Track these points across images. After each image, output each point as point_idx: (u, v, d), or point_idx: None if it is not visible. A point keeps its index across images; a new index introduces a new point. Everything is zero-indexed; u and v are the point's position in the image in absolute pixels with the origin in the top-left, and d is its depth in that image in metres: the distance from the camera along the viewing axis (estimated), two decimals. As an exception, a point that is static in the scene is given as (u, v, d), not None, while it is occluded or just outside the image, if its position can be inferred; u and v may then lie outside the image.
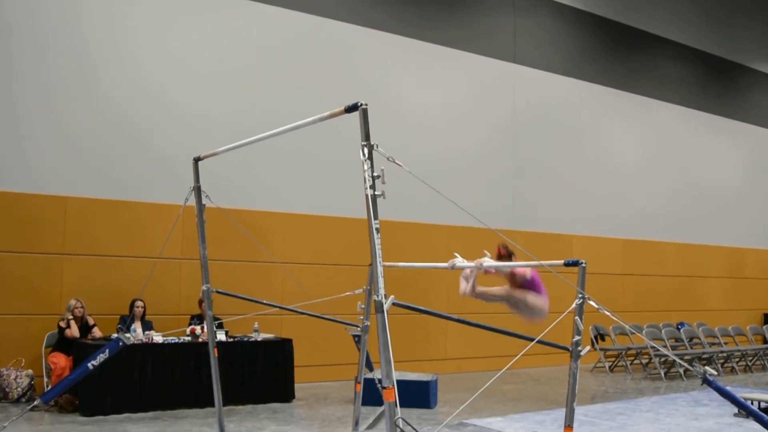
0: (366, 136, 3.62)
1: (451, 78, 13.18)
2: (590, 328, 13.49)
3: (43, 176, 9.29)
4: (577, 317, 4.37)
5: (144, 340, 8.54)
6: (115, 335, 7.97)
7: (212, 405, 6.44)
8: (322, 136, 10.63)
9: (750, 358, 14.73)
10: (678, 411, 9.32)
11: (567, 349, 4.52)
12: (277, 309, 7.60)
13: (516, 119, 13.90)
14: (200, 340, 8.77)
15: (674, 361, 11.10)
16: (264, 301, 6.75)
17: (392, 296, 3.74)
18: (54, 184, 9.35)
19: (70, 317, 8.77)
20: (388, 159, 3.68)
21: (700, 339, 14.59)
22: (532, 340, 4.67)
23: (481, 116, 13.51)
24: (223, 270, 9.67)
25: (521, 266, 5.24)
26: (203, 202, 6.11)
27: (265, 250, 9.63)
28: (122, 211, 9.78)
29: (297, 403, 9.24)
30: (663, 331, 14.02)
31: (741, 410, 5.21)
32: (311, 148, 11.08)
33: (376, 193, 3.58)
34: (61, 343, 8.77)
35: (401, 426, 3.40)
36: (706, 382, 4.19)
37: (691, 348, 14.14)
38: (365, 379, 6.73)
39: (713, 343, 14.76)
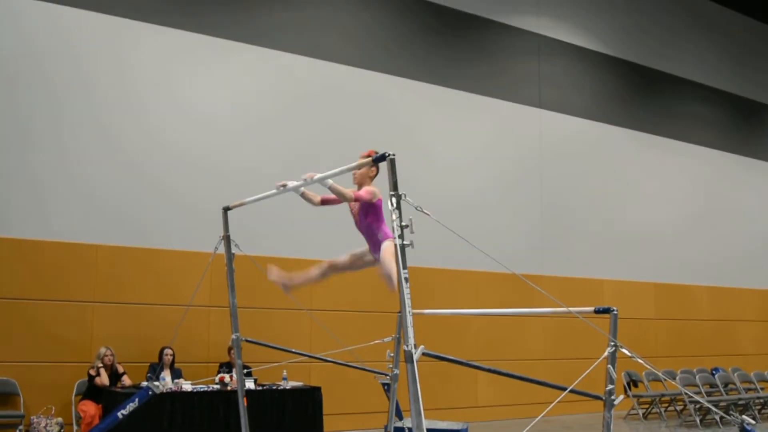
0: (394, 186, 3.58)
1: (477, 123, 13.24)
2: (623, 374, 13.24)
3: (69, 226, 9.37)
4: (609, 365, 4.32)
5: (173, 388, 8.55)
6: (144, 383, 7.99)
7: (241, 454, 6.41)
8: (348, 183, 10.65)
9: (788, 405, 14.35)
10: (716, 460, 9.08)
11: (600, 398, 4.45)
12: (306, 357, 7.57)
13: (543, 163, 13.89)
14: (229, 388, 8.75)
15: (709, 408, 10.84)
16: (292, 350, 6.74)
17: (422, 346, 3.68)
18: (81, 233, 9.44)
19: (100, 365, 8.82)
20: (416, 209, 3.66)
21: (735, 385, 14.24)
22: (564, 389, 4.59)
23: (507, 161, 13.52)
24: (251, 317, 9.67)
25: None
26: (232, 251, 6.15)
27: (293, 297, 9.58)
28: (150, 259, 9.86)
29: (326, 452, 9.16)
30: (697, 376, 13.73)
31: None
32: (338, 194, 11.11)
33: (405, 242, 3.55)
34: (91, 391, 8.80)
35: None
36: (744, 431, 4.09)
37: (727, 394, 13.80)
38: (395, 428, 6.67)
39: (749, 389, 14.39)
